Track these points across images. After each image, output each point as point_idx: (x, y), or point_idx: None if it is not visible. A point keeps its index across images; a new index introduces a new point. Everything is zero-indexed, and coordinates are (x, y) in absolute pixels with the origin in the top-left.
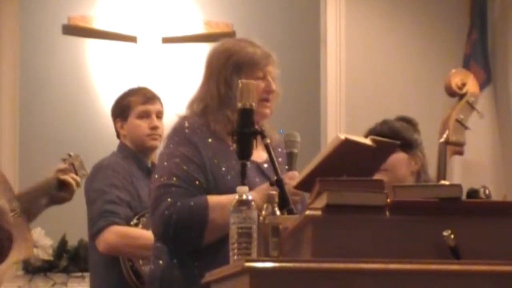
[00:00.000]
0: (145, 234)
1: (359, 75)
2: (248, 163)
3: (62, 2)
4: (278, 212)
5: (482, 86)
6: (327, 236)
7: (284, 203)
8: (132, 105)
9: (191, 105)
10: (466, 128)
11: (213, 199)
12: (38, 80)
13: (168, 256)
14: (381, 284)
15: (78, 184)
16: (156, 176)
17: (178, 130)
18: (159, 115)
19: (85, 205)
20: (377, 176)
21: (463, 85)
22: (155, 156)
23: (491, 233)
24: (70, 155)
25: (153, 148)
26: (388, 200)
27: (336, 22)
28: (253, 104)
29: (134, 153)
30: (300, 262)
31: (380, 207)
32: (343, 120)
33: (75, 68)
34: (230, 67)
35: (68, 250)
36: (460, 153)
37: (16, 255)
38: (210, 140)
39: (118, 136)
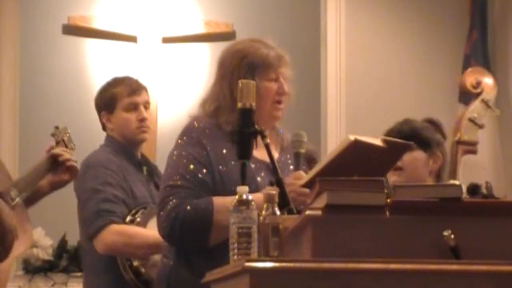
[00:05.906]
0: (144, 233)
1: (359, 75)
2: (255, 164)
3: (62, 2)
4: (278, 212)
5: None
6: (327, 236)
7: (284, 203)
8: (117, 97)
9: (203, 104)
10: (480, 127)
11: (219, 200)
12: (38, 80)
13: (176, 255)
14: (381, 284)
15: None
16: (164, 176)
17: (187, 130)
18: (146, 106)
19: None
20: (393, 175)
21: (478, 84)
22: (152, 150)
23: (491, 233)
24: (57, 128)
25: (143, 141)
26: (389, 200)
27: (336, 22)
28: (253, 104)
29: (124, 146)
30: (300, 262)
31: (380, 207)
32: (343, 120)
33: (75, 68)
34: (243, 68)
35: (68, 250)
36: (473, 152)
37: (17, 248)
38: (219, 141)
39: (104, 128)
